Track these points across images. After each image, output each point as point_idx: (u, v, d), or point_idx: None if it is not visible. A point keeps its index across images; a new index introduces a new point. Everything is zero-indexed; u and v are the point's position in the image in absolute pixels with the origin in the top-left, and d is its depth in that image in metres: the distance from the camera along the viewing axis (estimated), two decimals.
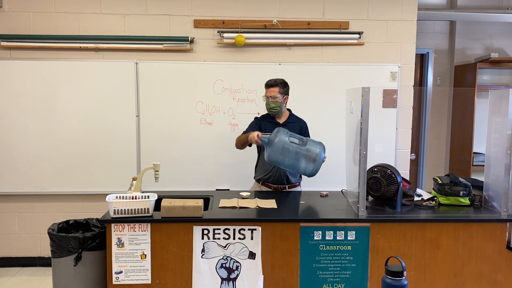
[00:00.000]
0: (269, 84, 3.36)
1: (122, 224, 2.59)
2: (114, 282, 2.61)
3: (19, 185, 4.06)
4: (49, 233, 2.73)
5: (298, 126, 3.37)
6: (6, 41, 3.97)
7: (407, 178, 4.26)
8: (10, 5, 3.97)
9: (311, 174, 3.06)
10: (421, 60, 5.12)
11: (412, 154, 5.02)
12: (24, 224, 4.16)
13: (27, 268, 4.14)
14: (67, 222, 2.95)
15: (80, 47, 4.03)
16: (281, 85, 3.34)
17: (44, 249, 4.16)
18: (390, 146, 4.26)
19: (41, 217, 4.14)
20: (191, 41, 4.09)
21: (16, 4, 3.98)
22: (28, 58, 4.00)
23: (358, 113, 2.69)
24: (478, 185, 3.10)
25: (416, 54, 4.32)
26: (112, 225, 2.59)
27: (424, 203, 2.93)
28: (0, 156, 4.02)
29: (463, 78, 4.96)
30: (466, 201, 2.91)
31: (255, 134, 3.06)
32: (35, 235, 4.16)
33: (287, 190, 3.41)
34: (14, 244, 4.17)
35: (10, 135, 4.01)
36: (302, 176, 3.51)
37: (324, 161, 3.05)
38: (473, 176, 4.47)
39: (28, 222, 4.16)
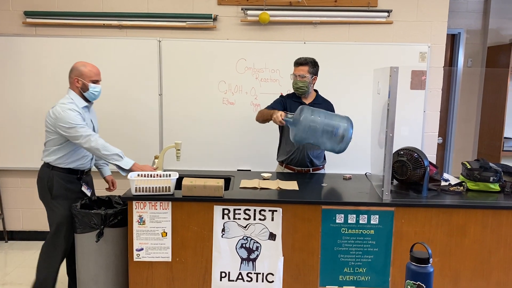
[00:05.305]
0: (299, 63, 3.23)
1: (143, 202, 2.60)
2: (135, 259, 2.64)
3: None
4: (72, 209, 2.76)
5: (324, 108, 3.24)
6: (31, 18, 3.99)
7: (434, 162, 4.14)
8: None
9: (340, 151, 2.97)
10: (452, 41, 4.91)
11: (439, 138, 4.88)
12: None
13: None
14: (90, 198, 2.98)
15: (104, 24, 4.01)
16: (311, 65, 3.23)
17: None
18: (417, 129, 4.13)
19: None
20: (215, 19, 4.02)
21: None
22: (52, 35, 4.01)
23: (385, 94, 2.59)
24: (509, 171, 2.98)
25: (446, 34, 4.14)
26: (134, 202, 2.60)
27: (451, 188, 2.84)
28: (23, 133, 4.08)
29: (496, 60, 4.75)
30: (496, 187, 2.81)
31: (279, 115, 2.95)
32: None
33: (310, 172, 3.34)
34: (41, 218, 4.25)
35: (32, 111, 4.05)
36: (326, 158, 3.45)
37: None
38: (504, 162, 4.32)
39: None
